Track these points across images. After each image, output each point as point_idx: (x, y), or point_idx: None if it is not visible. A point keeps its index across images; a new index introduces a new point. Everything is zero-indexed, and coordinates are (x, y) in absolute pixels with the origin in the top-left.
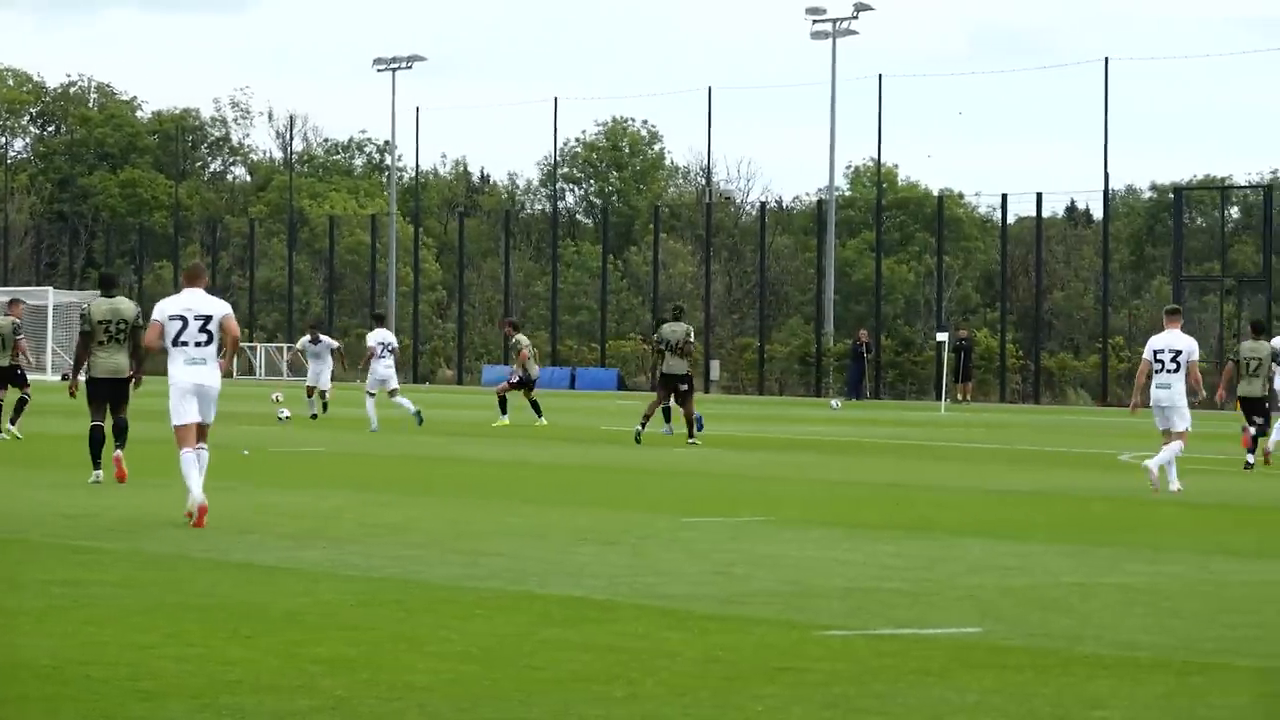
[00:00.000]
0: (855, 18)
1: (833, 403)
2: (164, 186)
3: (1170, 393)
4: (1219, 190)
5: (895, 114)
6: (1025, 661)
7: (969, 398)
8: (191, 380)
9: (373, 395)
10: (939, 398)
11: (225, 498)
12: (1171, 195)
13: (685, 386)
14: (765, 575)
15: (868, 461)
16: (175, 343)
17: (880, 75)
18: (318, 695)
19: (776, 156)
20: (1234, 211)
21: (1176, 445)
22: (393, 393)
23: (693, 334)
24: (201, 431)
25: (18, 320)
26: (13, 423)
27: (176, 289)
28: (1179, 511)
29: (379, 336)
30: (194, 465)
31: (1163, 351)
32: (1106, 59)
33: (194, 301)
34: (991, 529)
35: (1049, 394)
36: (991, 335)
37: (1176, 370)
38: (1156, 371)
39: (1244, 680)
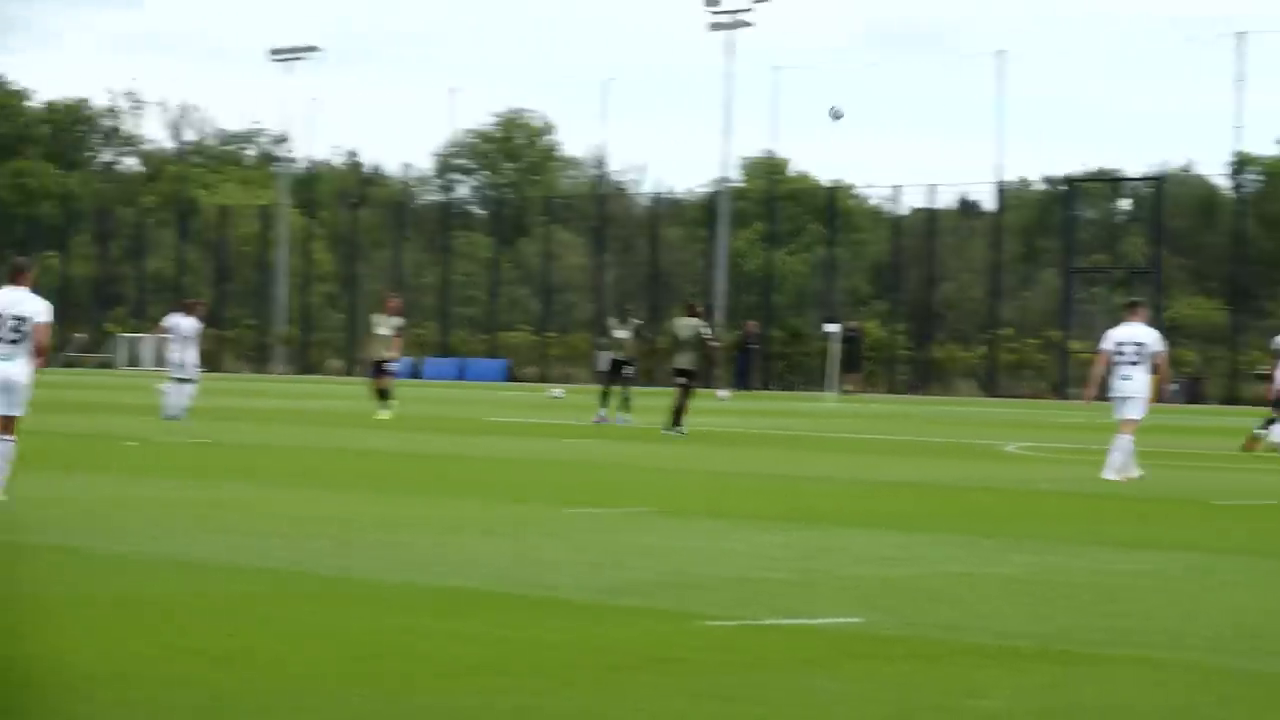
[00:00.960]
0: (750, 9)
1: (720, 393)
2: (54, 177)
3: (1133, 384)
4: (1110, 182)
5: (790, 106)
6: (907, 651)
7: (858, 389)
8: None
9: (174, 381)
10: (827, 389)
11: (109, 489)
12: (1063, 188)
13: (684, 380)
14: (650, 566)
15: (754, 453)
16: None
17: (775, 67)
18: (196, 688)
19: (670, 147)
20: (1125, 204)
21: (1127, 441)
22: (184, 380)
23: (704, 329)
24: (8, 423)
25: None
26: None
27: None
28: (1064, 502)
29: (174, 321)
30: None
31: (1125, 344)
32: (1001, 52)
33: (14, 299)
34: (876, 520)
35: (938, 385)
36: (881, 327)
37: (1137, 363)
38: (1118, 363)
39: (1125, 670)
